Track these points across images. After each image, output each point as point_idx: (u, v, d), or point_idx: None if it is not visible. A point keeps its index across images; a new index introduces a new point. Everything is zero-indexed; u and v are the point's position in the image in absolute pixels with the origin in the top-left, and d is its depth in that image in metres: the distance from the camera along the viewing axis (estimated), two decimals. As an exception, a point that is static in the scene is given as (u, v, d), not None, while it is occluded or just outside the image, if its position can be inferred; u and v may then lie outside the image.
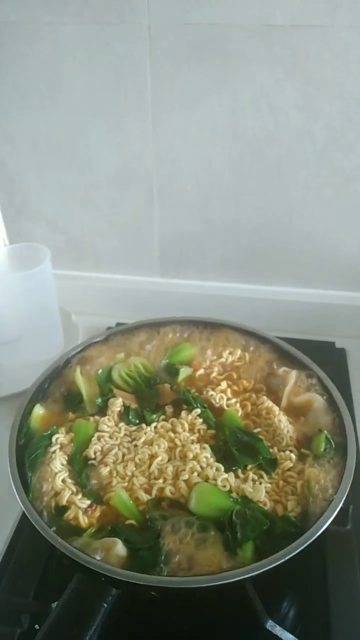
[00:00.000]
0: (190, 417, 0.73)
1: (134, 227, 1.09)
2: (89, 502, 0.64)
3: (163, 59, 0.90)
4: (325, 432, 0.69)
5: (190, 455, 0.68)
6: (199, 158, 0.99)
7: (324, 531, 0.60)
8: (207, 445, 0.69)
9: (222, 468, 0.67)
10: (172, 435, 0.70)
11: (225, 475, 0.66)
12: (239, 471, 0.67)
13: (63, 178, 1.06)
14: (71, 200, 1.08)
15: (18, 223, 1.13)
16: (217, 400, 0.75)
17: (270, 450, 0.69)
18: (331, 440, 0.68)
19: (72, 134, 1.00)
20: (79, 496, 0.65)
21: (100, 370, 0.80)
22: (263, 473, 0.67)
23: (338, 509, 0.60)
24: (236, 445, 0.68)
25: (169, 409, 0.75)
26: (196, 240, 1.09)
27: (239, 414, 0.74)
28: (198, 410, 0.73)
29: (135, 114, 0.96)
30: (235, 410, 0.73)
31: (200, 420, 0.73)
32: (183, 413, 0.74)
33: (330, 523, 0.61)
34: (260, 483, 0.65)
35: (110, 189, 1.05)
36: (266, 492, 0.64)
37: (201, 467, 0.66)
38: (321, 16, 0.83)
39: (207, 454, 0.68)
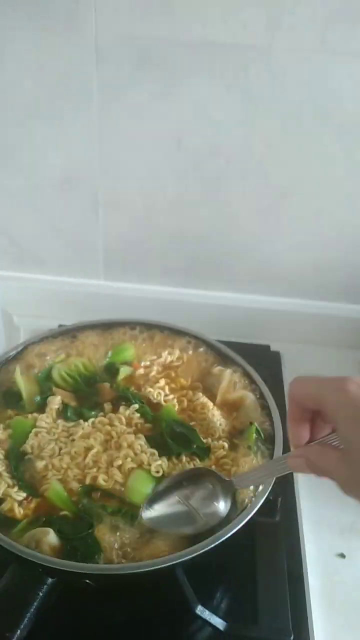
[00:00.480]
0: (128, 411, 0.75)
1: (79, 231, 1.10)
2: (24, 494, 0.65)
3: (110, 69, 0.92)
4: (255, 424, 0.73)
5: (125, 444, 0.70)
6: (144, 167, 1.01)
7: (252, 521, 0.64)
8: (141, 435, 0.72)
9: (157, 453, 0.70)
10: (109, 428, 0.73)
11: (159, 461, 0.69)
12: (173, 458, 0.70)
13: (8, 181, 1.06)
14: (15, 203, 1.08)
15: None
16: (155, 397, 0.78)
17: (204, 440, 0.72)
18: (260, 432, 0.73)
19: (17, 139, 1.00)
20: (15, 489, 0.66)
21: (40, 370, 0.82)
22: (197, 459, 0.71)
23: (263, 499, 0.64)
24: (171, 436, 0.72)
25: (107, 406, 0.77)
26: (140, 246, 1.11)
27: (176, 408, 0.77)
28: (136, 406, 0.76)
29: (82, 121, 0.97)
30: (172, 405, 0.76)
31: (138, 415, 0.75)
32: (121, 408, 0.76)
33: (260, 514, 0.65)
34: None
35: (56, 194, 1.06)
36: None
37: (135, 453, 0.69)
38: (261, 37, 0.88)
39: (141, 442, 0.71)
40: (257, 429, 0.73)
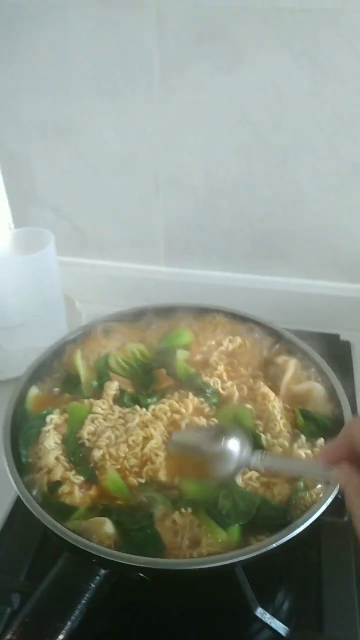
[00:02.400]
0: (196, 400, 0.72)
1: (139, 216, 1.09)
2: (82, 478, 0.64)
3: (171, 42, 0.89)
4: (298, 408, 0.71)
5: None
6: (205, 145, 0.98)
7: (318, 522, 0.59)
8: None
9: None
10: (177, 417, 0.70)
11: None
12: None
13: (69, 163, 1.05)
14: (77, 187, 1.08)
15: (24, 209, 1.13)
16: (212, 385, 0.74)
17: (263, 436, 0.68)
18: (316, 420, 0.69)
19: (78, 119, 1.00)
20: (73, 472, 0.65)
21: (99, 357, 0.80)
22: None
23: (331, 499, 0.59)
24: None
25: (169, 394, 0.74)
26: (202, 230, 1.08)
27: (235, 396, 0.73)
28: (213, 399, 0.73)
29: (142, 99, 0.95)
30: (250, 410, 0.72)
31: (207, 407, 0.72)
32: (190, 394, 0.73)
33: (326, 514, 0.60)
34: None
35: (116, 177, 1.05)
36: (256, 478, 0.64)
37: None
38: (332, 0, 0.81)
39: None
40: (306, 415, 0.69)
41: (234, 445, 0.60)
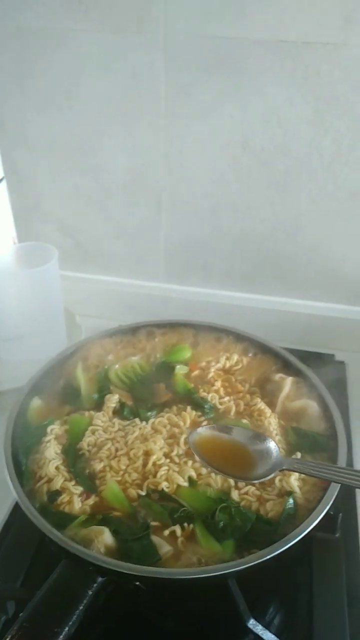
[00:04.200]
0: (194, 413, 0.74)
1: (142, 233, 1.11)
2: (81, 489, 0.65)
3: (178, 69, 0.92)
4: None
5: None
6: (208, 168, 1.01)
7: (311, 536, 0.60)
8: None
9: None
10: (176, 430, 0.72)
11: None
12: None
13: (76, 182, 1.08)
14: (82, 204, 1.10)
15: (29, 224, 1.16)
16: (210, 400, 0.76)
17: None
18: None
19: (87, 139, 1.03)
20: (72, 482, 0.66)
21: (100, 370, 0.82)
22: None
23: (322, 515, 0.61)
24: None
25: (167, 408, 0.76)
26: (202, 248, 1.10)
27: (232, 411, 0.75)
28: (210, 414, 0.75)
29: (149, 122, 0.98)
30: (246, 425, 0.73)
31: (204, 420, 0.74)
32: (188, 408, 0.75)
33: (318, 529, 0.61)
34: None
35: (121, 195, 1.07)
36: (251, 492, 0.65)
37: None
38: (334, 34, 0.85)
39: None
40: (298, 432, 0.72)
41: (272, 447, 0.63)
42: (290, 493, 0.64)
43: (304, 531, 0.59)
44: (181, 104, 0.95)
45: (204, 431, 0.67)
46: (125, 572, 0.55)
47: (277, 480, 0.66)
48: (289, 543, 0.57)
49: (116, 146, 1.02)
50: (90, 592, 0.54)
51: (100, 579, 0.55)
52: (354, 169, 0.95)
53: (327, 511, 0.62)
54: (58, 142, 1.04)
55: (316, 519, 0.60)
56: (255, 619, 0.61)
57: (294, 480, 0.65)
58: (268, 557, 0.56)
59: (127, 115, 0.99)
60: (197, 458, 0.65)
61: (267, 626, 0.61)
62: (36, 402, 0.76)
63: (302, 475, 0.66)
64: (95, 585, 0.55)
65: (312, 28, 0.86)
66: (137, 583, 0.56)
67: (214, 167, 1.00)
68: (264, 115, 0.93)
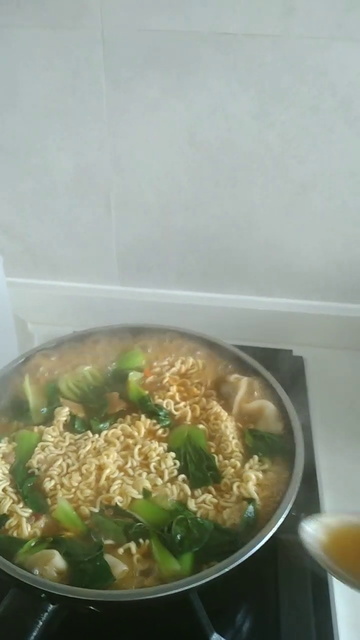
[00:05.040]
0: (149, 422, 0.72)
1: (92, 235, 1.08)
2: (30, 511, 0.62)
3: (118, 64, 0.89)
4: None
5: (154, 454, 0.67)
6: (157, 165, 0.98)
7: (273, 540, 0.59)
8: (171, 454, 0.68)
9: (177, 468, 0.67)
10: (130, 441, 0.69)
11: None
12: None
13: (19, 185, 1.04)
14: (28, 208, 1.06)
15: (-27, 230, 1.11)
16: (165, 406, 0.74)
17: (215, 457, 0.68)
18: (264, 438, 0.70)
19: (28, 140, 0.99)
20: (21, 505, 0.63)
21: (49, 382, 0.78)
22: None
23: (282, 518, 0.59)
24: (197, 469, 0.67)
25: (121, 418, 0.74)
26: (155, 248, 1.08)
27: (188, 416, 0.73)
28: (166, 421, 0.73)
29: (92, 119, 0.95)
30: (203, 431, 0.71)
31: (160, 428, 0.72)
32: (143, 416, 0.72)
33: (281, 531, 0.60)
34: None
35: (68, 196, 1.04)
36: (208, 501, 0.63)
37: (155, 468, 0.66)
38: (275, 25, 0.83)
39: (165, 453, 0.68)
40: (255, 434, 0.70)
41: None
42: (250, 500, 0.62)
43: (266, 536, 0.57)
44: (124, 100, 0.92)
45: (331, 521, 0.48)
46: (77, 597, 0.52)
47: (234, 486, 0.64)
48: (248, 553, 0.55)
49: (60, 146, 0.98)
50: (40, 623, 0.51)
51: (51, 607, 0.52)
52: (302, 161, 0.94)
53: (289, 512, 0.61)
54: (-1, 144, 1.00)
55: (278, 520, 0.58)
56: (219, 633, 0.59)
57: (252, 486, 0.63)
58: (227, 569, 0.54)
59: (70, 113, 0.95)
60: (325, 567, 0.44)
61: (232, 639, 0.59)
62: (-19, 419, 0.72)
63: (261, 480, 0.64)
64: (46, 614, 0.52)
65: (253, 19, 0.84)
66: (91, 607, 0.53)
67: (162, 164, 0.98)
68: (209, 109, 0.91)
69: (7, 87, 0.94)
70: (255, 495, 0.63)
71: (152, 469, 0.66)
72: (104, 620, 0.58)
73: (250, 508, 0.61)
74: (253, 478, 0.64)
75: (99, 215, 1.05)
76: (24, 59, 0.91)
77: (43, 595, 0.53)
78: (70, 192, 1.03)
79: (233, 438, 0.70)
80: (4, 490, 0.64)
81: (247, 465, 0.66)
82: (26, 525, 0.61)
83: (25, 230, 1.09)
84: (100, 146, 0.97)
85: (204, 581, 0.53)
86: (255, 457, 0.67)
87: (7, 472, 0.66)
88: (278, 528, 0.59)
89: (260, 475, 0.65)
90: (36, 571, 0.55)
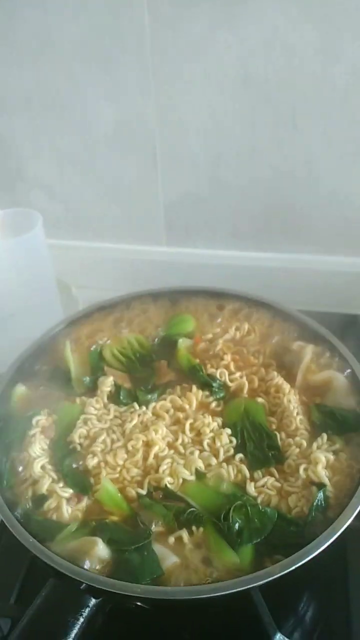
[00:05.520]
0: (201, 393, 0.65)
1: (137, 193, 1.02)
2: (71, 491, 0.57)
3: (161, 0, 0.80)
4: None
5: (207, 430, 0.61)
6: (205, 111, 0.90)
7: (343, 531, 0.51)
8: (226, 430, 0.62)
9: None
10: (180, 415, 0.63)
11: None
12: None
13: (59, 140, 0.98)
14: (68, 165, 1.01)
15: (14, 190, 1.06)
16: (219, 376, 0.67)
17: (277, 434, 0.61)
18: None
19: (66, 91, 0.93)
20: (61, 484, 0.58)
21: (92, 348, 0.73)
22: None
23: (355, 512, 0.51)
24: (256, 448, 0.60)
25: (170, 389, 0.67)
26: (205, 205, 1.01)
27: (245, 388, 0.66)
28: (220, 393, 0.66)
29: (134, 64, 0.88)
30: (262, 405, 0.64)
31: (213, 401, 0.65)
32: (194, 387, 0.66)
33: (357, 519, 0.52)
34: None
35: (110, 151, 0.98)
36: (270, 484, 0.56)
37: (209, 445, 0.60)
38: None
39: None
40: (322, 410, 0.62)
41: None
42: (320, 485, 0.54)
43: (336, 533, 0.49)
44: (169, 40, 0.85)
45: None
46: (122, 592, 0.46)
47: (301, 469, 0.56)
48: (319, 548, 0.48)
49: (100, 95, 0.92)
50: (82, 619, 0.46)
51: (93, 601, 0.47)
52: (373, 99, 0.82)
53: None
54: (35, 98, 0.94)
55: (350, 516, 0.50)
56: (283, 632, 0.52)
57: (321, 469, 0.55)
58: (294, 567, 0.47)
59: (108, 60, 0.88)
60: None
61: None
62: (20, 390, 0.68)
63: (332, 463, 0.56)
64: (87, 609, 0.46)
65: None
66: (138, 604, 0.47)
67: (212, 108, 0.90)
68: (264, 43, 0.82)
69: (39, 33, 0.87)
70: (326, 480, 0.55)
71: (206, 447, 0.60)
72: (152, 617, 0.52)
73: (320, 495, 0.53)
74: (323, 460, 0.56)
75: (143, 171, 0.99)
76: (57, 2, 0.84)
77: (83, 588, 0.47)
78: (111, 147, 0.97)
79: (297, 414, 0.62)
80: (42, 467, 0.59)
81: (314, 445, 0.58)
82: (66, 507, 0.55)
83: (65, 190, 1.04)
84: (144, 93, 0.90)
85: (268, 579, 0.46)
86: (324, 436, 0.59)
87: (46, 447, 0.61)
88: (354, 519, 0.51)
89: (331, 457, 0.57)
90: (77, 560, 0.49)
